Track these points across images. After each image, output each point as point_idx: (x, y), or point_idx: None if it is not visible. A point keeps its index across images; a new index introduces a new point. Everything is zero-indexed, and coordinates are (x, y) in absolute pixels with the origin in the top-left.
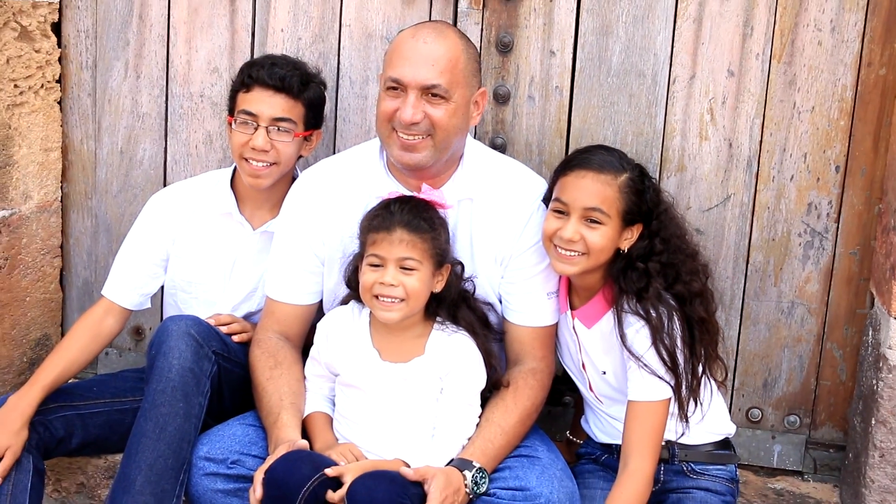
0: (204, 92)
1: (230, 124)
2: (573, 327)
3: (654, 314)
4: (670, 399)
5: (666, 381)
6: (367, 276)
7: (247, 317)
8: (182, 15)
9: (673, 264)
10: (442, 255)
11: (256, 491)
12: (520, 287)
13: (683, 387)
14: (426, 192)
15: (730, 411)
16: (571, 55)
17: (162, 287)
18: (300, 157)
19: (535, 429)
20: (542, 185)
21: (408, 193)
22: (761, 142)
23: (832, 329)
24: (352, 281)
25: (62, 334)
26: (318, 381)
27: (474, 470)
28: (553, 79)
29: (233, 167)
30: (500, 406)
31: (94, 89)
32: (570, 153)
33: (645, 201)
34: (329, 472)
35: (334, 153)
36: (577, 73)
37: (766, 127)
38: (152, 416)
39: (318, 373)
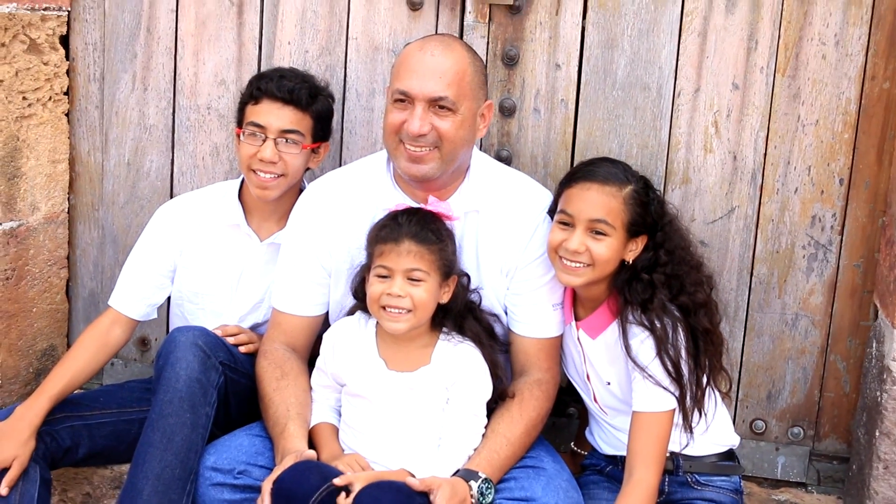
0: (211, 104)
1: (238, 136)
2: (578, 338)
3: (658, 325)
4: (675, 410)
5: (670, 392)
6: (374, 287)
7: (253, 328)
8: (190, 28)
9: (677, 275)
10: (449, 267)
11: (265, 501)
12: (525, 298)
13: (688, 397)
14: (433, 204)
15: (734, 423)
16: (577, 68)
17: (168, 298)
18: (307, 169)
19: (541, 440)
20: (547, 197)
21: (415, 205)
22: (766, 154)
23: (836, 341)
24: (359, 292)
25: (68, 345)
26: (325, 392)
27: (480, 480)
28: (559, 92)
29: (240, 179)
30: (505, 417)
31: (101, 101)
32: (575, 165)
33: (649, 213)
34: (336, 482)
35: (340, 165)
36: (582, 86)
37: (771, 140)
38: (159, 427)
39: (325, 383)
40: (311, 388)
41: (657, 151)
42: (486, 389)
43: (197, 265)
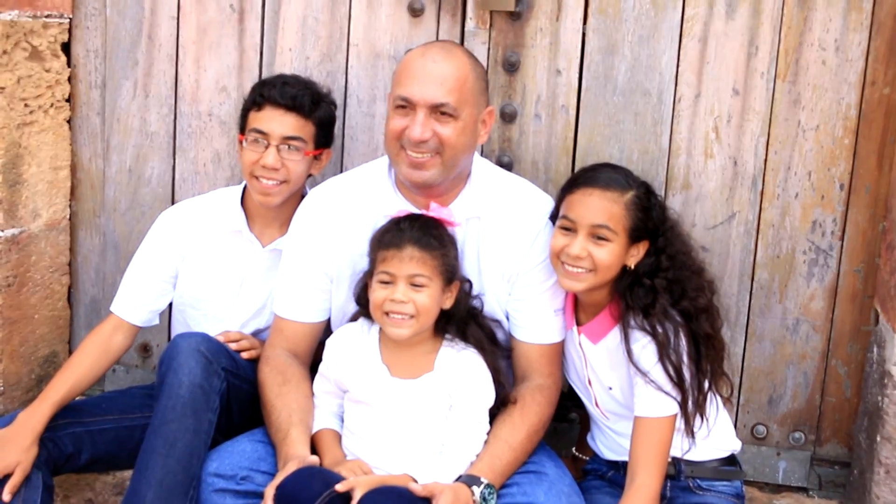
0: (212, 111)
1: (241, 142)
2: (579, 343)
3: (660, 330)
4: (676, 415)
5: (672, 397)
6: (377, 293)
7: (255, 334)
8: (191, 35)
9: (679, 280)
10: (451, 272)
11: None
12: (527, 304)
13: (690, 402)
14: (435, 210)
15: (735, 428)
16: (577, 74)
17: (170, 304)
18: (310, 175)
19: (543, 445)
20: (548, 203)
21: (416, 211)
22: (766, 160)
23: (837, 346)
24: (361, 298)
25: (70, 351)
26: (327, 398)
27: (482, 486)
28: (559, 97)
29: (243, 185)
30: (507, 422)
31: (103, 108)
32: (576, 171)
33: (651, 218)
34: (339, 487)
35: (342, 171)
36: (583, 92)
37: (771, 145)
38: (162, 433)
39: (327, 389)
40: (313, 394)
41: (658, 157)
42: (489, 396)
43: (199, 271)
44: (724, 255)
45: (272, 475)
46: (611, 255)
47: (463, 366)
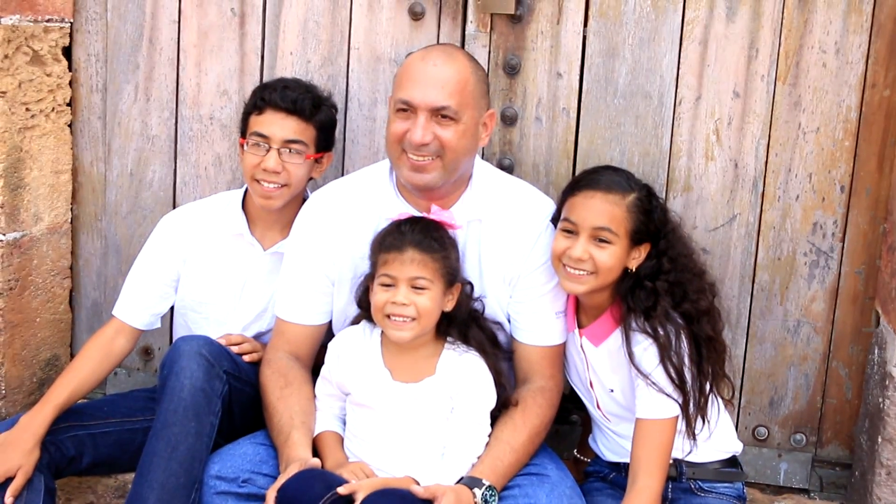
0: (213, 114)
1: (242, 146)
2: (581, 346)
3: (661, 332)
4: (678, 417)
5: (674, 399)
6: (378, 296)
7: (257, 337)
8: (192, 38)
9: (680, 283)
10: (452, 275)
11: None
12: (528, 306)
13: (691, 404)
14: (436, 213)
15: (736, 429)
16: (578, 77)
17: (172, 307)
18: (311, 178)
19: (544, 447)
20: (550, 206)
21: (417, 214)
22: (767, 162)
23: (838, 347)
24: (363, 301)
25: (72, 355)
26: (329, 401)
27: (484, 488)
28: (560, 100)
29: (244, 188)
30: (509, 425)
31: (104, 112)
32: (578, 174)
33: (653, 221)
34: (341, 490)
35: (343, 174)
36: (583, 95)
37: (772, 147)
38: (164, 436)
39: (329, 392)
40: (314, 396)
41: (658, 159)
42: (491, 398)
43: (200, 274)
44: (725, 257)
45: (274, 478)
46: (612, 257)
47: (464, 369)
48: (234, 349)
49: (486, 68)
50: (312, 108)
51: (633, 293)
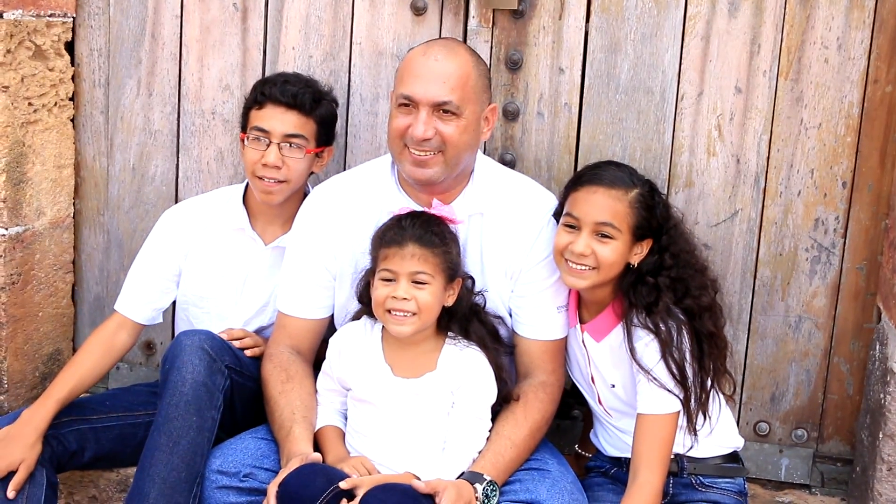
0: (216, 109)
1: (243, 141)
2: (582, 341)
3: (663, 328)
4: (679, 412)
5: (675, 395)
6: (379, 291)
7: (258, 331)
8: (194, 33)
9: (682, 279)
10: (453, 269)
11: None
12: (530, 301)
13: (692, 400)
14: (436, 208)
15: (737, 425)
16: (580, 72)
17: (174, 302)
18: (312, 173)
19: (545, 442)
20: (551, 200)
21: (419, 209)
22: (769, 158)
23: (839, 343)
24: (364, 296)
25: (74, 349)
26: (330, 396)
27: (485, 483)
28: (562, 96)
29: (245, 183)
30: (510, 420)
31: (106, 107)
32: (580, 169)
33: (655, 216)
34: (343, 484)
35: (345, 170)
36: (585, 90)
37: (774, 143)
38: (166, 430)
39: (330, 387)
40: (316, 391)
41: (660, 155)
42: (491, 393)
43: (202, 269)
44: (727, 252)
45: (275, 472)
46: (614, 252)
47: (465, 364)
48: (236, 344)
49: (488, 63)
50: (313, 102)
51: (634, 289)
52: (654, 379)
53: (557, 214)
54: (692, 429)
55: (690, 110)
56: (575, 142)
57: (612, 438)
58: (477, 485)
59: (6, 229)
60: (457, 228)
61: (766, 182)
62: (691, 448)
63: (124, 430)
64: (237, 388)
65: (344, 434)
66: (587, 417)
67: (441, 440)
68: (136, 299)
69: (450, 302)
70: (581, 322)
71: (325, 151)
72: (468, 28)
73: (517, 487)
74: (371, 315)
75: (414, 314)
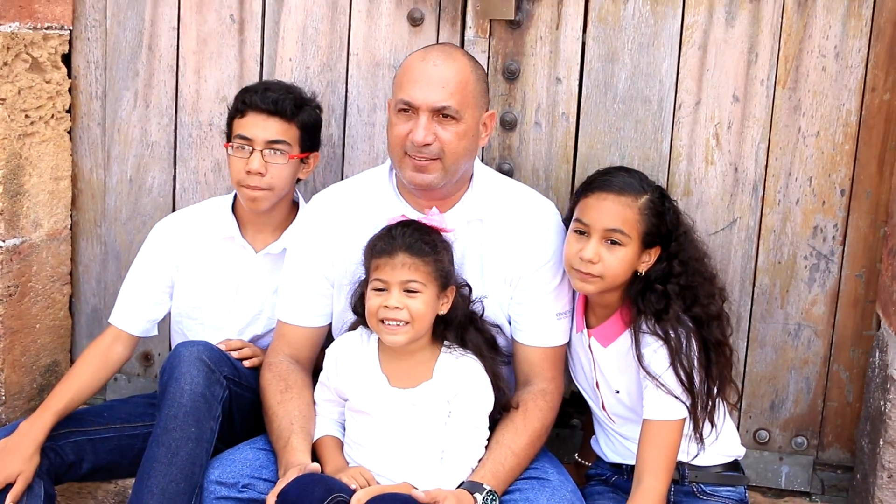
0: (213, 120)
1: (227, 150)
2: (589, 346)
3: (672, 335)
4: (685, 419)
5: (682, 402)
6: (371, 301)
7: (253, 340)
8: (191, 45)
9: (691, 287)
10: (446, 277)
11: None
12: (529, 307)
13: (699, 407)
14: (428, 217)
15: (737, 433)
16: (578, 82)
17: (170, 314)
18: (298, 180)
19: (545, 451)
20: (550, 207)
21: (416, 215)
22: (767, 166)
23: (839, 351)
24: (358, 307)
25: (71, 361)
26: (328, 406)
27: (485, 493)
28: (559, 105)
29: (234, 192)
30: (510, 428)
31: (103, 119)
32: (591, 174)
33: (665, 223)
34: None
35: (342, 180)
36: (583, 100)
37: (772, 151)
38: (164, 441)
39: (328, 397)
40: (314, 401)
41: (658, 164)
42: (488, 402)
43: (194, 280)
44: (726, 261)
45: (273, 482)
46: (623, 259)
47: (461, 372)
48: (234, 354)
49: (487, 75)
50: (294, 108)
51: (643, 296)
52: (662, 385)
53: (567, 220)
54: (699, 436)
55: (688, 119)
56: (573, 151)
57: (614, 444)
58: (477, 494)
59: (3, 241)
60: (453, 237)
61: (764, 190)
62: (696, 456)
63: (122, 442)
64: (235, 399)
65: (342, 444)
66: (587, 426)
67: (439, 450)
68: (131, 311)
69: (444, 310)
70: (588, 327)
71: (310, 157)
72: (465, 38)
73: (517, 497)
74: (367, 326)
75: (406, 323)
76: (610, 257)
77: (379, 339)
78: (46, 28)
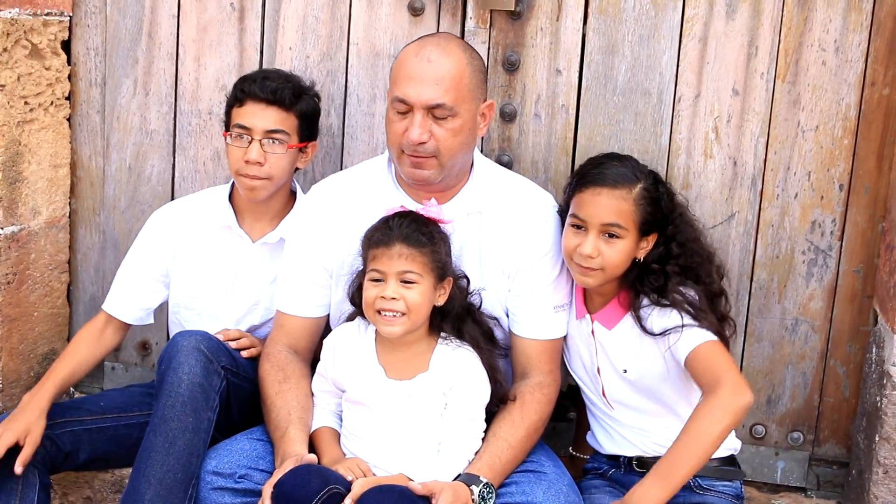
0: (212, 109)
1: (226, 139)
2: (591, 331)
3: (676, 297)
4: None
5: (704, 327)
6: (368, 292)
7: (251, 330)
8: (191, 33)
9: (691, 267)
10: (443, 269)
11: None
12: (526, 300)
13: (723, 331)
14: (425, 209)
15: None
16: (577, 74)
17: (167, 304)
18: (297, 169)
19: (541, 444)
20: (549, 200)
21: (414, 206)
22: (766, 160)
23: (836, 346)
24: (355, 298)
25: None
26: (325, 397)
27: (481, 485)
28: (559, 97)
29: (231, 182)
30: (506, 420)
31: (103, 106)
32: (582, 164)
33: (660, 209)
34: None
35: (342, 170)
36: (583, 92)
37: (771, 145)
38: (162, 431)
39: (325, 388)
40: (312, 393)
41: (657, 157)
42: (484, 394)
43: (191, 269)
44: (724, 255)
45: (271, 473)
46: (622, 251)
47: (457, 364)
48: (232, 344)
49: (485, 64)
50: (293, 97)
51: (641, 280)
52: (681, 328)
53: (563, 212)
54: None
55: (688, 112)
56: (572, 143)
57: (610, 435)
58: (473, 487)
59: (2, 228)
60: (451, 228)
61: (763, 184)
62: None
63: (119, 431)
64: (233, 389)
65: (339, 435)
66: (582, 420)
67: (435, 442)
68: (123, 299)
69: (440, 301)
70: (589, 312)
71: (308, 146)
72: (465, 29)
73: (513, 490)
74: (364, 317)
75: (403, 314)
76: (609, 250)
77: (376, 329)
78: (46, 14)
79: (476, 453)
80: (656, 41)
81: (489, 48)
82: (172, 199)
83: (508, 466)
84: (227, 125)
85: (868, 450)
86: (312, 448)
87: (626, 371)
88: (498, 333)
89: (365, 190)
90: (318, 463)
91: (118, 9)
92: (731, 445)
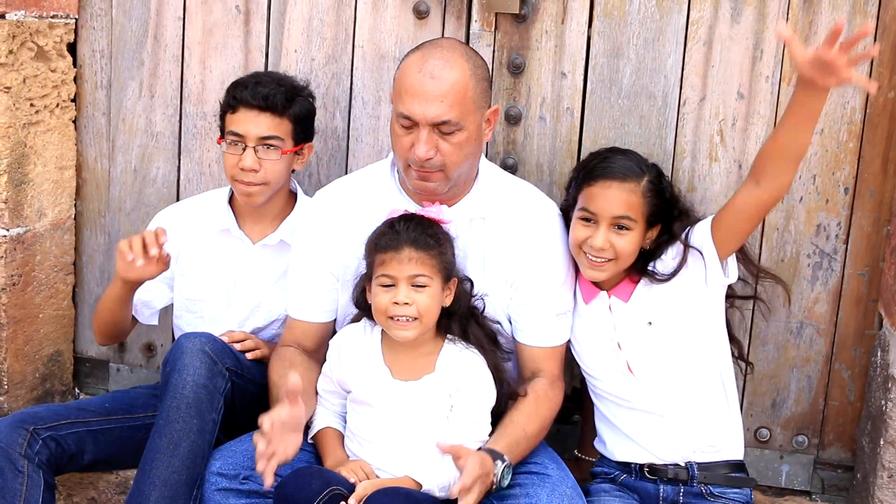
0: (217, 111)
1: (221, 146)
2: (609, 307)
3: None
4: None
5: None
6: (380, 298)
7: (254, 332)
8: (197, 35)
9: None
10: (449, 270)
11: (266, 480)
12: (530, 307)
13: None
14: (426, 210)
15: None
16: (583, 77)
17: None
18: (293, 170)
19: (544, 446)
20: (553, 208)
21: (411, 210)
22: None
23: (841, 349)
24: (360, 301)
25: (74, 351)
26: (330, 398)
27: (504, 464)
28: (564, 100)
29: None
30: (524, 411)
31: (108, 108)
32: (587, 158)
33: (665, 200)
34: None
35: (347, 173)
36: (588, 95)
37: None
38: (166, 433)
39: (330, 389)
40: (317, 379)
41: (662, 160)
42: (490, 396)
43: (193, 272)
44: None
45: (276, 475)
46: (632, 242)
47: (464, 367)
48: (237, 346)
49: (490, 67)
50: (285, 101)
51: (647, 262)
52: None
53: (568, 207)
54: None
55: (693, 115)
56: (577, 146)
57: (621, 440)
58: (498, 461)
59: (7, 230)
60: (453, 228)
61: None
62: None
63: (124, 433)
64: (238, 391)
65: (343, 437)
66: (587, 423)
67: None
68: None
69: (447, 302)
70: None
71: (304, 148)
72: (470, 32)
73: (517, 492)
74: (370, 317)
75: (416, 318)
76: (620, 241)
77: (382, 330)
78: (52, 17)
79: (490, 435)
80: (661, 44)
81: (494, 51)
82: (178, 201)
83: (521, 455)
84: (222, 131)
85: (873, 453)
86: (316, 451)
87: (650, 323)
88: (500, 338)
89: (368, 195)
90: (318, 459)
91: (124, 11)
92: (740, 451)
